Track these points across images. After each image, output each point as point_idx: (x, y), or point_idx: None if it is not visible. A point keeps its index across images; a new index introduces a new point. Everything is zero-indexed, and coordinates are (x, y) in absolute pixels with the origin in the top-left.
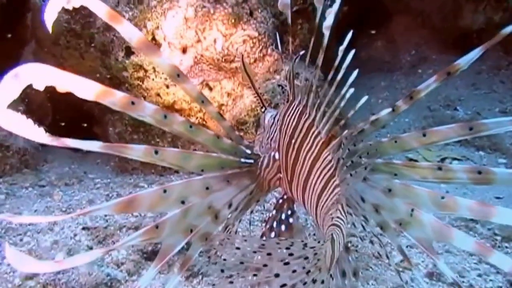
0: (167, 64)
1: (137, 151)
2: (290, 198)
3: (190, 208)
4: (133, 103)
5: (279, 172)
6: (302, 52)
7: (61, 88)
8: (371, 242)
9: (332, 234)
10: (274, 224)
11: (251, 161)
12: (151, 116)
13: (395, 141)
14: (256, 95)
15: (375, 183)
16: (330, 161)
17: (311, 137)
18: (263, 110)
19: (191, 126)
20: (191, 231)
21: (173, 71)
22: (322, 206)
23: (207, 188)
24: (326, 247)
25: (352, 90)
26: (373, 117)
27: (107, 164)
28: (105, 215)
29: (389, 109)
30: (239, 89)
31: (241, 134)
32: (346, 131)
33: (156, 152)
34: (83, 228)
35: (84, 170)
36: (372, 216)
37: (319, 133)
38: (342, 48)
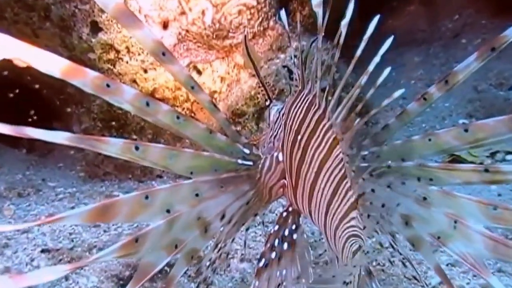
0: (150, 39)
1: (113, 146)
2: (296, 211)
3: (177, 218)
4: (108, 85)
5: (283, 177)
6: (321, 33)
7: (22, 59)
8: (403, 263)
9: (351, 242)
10: (276, 242)
11: (250, 163)
12: (130, 103)
13: (429, 139)
14: (261, 84)
15: (405, 190)
16: (342, 159)
17: (320, 131)
18: (268, 103)
19: (178, 117)
20: (176, 246)
21: (158, 48)
22: (333, 215)
23: (197, 195)
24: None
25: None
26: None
27: (71, 168)
28: (70, 234)
29: (419, 98)
30: (235, 72)
31: (238, 128)
32: (358, 120)
33: (137, 148)
34: (43, 251)
35: (42, 177)
36: (401, 230)
37: (331, 126)
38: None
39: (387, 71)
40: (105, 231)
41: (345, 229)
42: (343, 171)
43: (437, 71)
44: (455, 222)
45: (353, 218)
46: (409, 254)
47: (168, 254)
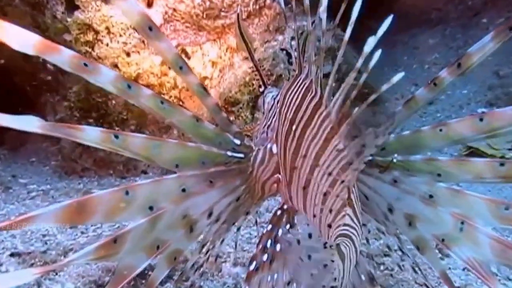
0: (136, 12)
1: (90, 134)
2: (291, 209)
3: (160, 217)
4: (86, 64)
5: (277, 171)
6: (323, 13)
7: None
8: (413, 268)
9: (338, 245)
10: (268, 244)
11: (241, 155)
12: (110, 85)
13: (440, 130)
14: (255, 69)
15: (411, 187)
16: (341, 151)
17: (317, 120)
18: (262, 89)
19: (162, 102)
20: (158, 247)
21: (144, 22)
22: (328, 212)
23: (183, 191)
24: (336, 261)
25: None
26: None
27: (46, 163)
28: (43, 236)
29: (428, 84)
30: (228, 56)
31: (232, 118)
32: (357, 109)
33: (117, 137)
34: (12, 255)
35: (12, 173)
36: (405, 231)
37: (328, 114)
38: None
39: (377, 54)
40: (82, 232)
41: (336, 227)
42: (341, 164)
43: (454, 54)
44: (462, 223)
45: (344, 216)
46: (419, 256)
47: (148, 256)
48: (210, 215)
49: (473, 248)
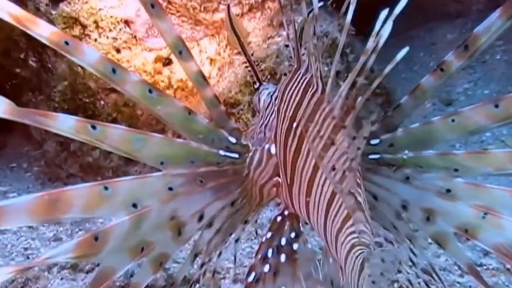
0: None
1: (64, 123)
2: (294, 215)
3: (145, 216)
4: (67, 43)
5: (276, 173)
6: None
7: None
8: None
9: (358, 256)
10: (269, 254)
11: (235, 155)
12: (93, 67)
13: (452, 120)
14: (248, 63)
15: (426, 184)
16: (347, 149)
17: (319, 117)
18: (257, 86)
19: (151, 91)
20: (142, 249)
21: None
22: (334, 217)
23: (170, 189)
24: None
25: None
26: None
27: (27, 169)
28: (25, 249)
29: (435, 70)
30: (227, 53)
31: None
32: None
33: (94, 127)
34: None
35: None
36: (422, 227)
37: (331, 110)
38: None
39: (404, 50)
40: (58, 230)
41: (348, 235)
42: (347, 164)
43: None
44: (485, 213)
45: (357, 222)
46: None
47: (131, 258)
48: (200, 218)
49: (499, 233)
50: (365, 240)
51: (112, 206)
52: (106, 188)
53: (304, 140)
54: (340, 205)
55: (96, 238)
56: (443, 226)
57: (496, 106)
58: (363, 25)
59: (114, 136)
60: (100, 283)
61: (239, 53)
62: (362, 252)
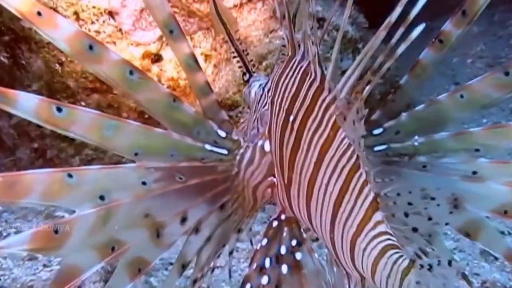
0: None
1: (25, 104)
2: (292, 219)
3: (114, 210)
4: (39, 13)
5: (271, 173)
6: None
7: None
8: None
9: (395, 257)
10: (267, 263)
11: (223, 151)
12: (67, 42)
13: (461, 96)
14: (236, 53)
15: (447, 170)
16: (351, 144)
17: (319, 109)
18: (247, 77)
19: (131, 72)
20: (113, 249)
21: None
22: (346, 220)
23: (143, 184)
24: None
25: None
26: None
27: None
28: None
29: (433, 42)
30: (224, 48)
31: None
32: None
33: (60, 110)
34: None
35: None
36: (449, 219)
37: (333, 101)
38: None
39: (421, 27)
40: (45, 265)
41: (371, 239)
42: (353, 159)
43: (503, 45)
44: None
45: (379, 223)
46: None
47: (100, 258)
48: (183, 220)
49: None
50: (396, 243)
51: (76, 196)
52: (70, 175)
53: (303, 135)
54: (353, 206)
55: (56, 231)
56: (475, 212)
57: (507, 73)
58: (376, 18)
59: (83, 121)
60: (64, 283)
61: (226, 41)
62: (401, 256)
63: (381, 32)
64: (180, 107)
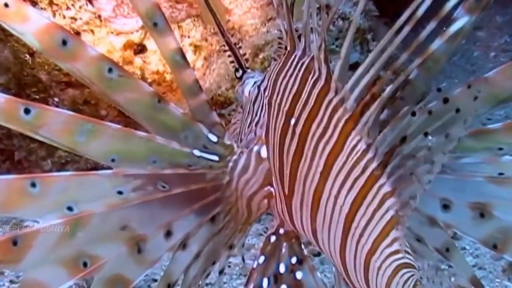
0: None
1: None
2: (292, 233)
3: (83, 221)
4: (6, 5)
5: (268, 182)
6: None
7: None
8: None
9: (408, 281)
10: (265, 284)
11: (214, 157)
12: (36, 37)
13: (478, 90)
14: (227, 46)
15: (469, 172)
16: (366, 151)
17: (325, 112)
18: (239, 74)
19: (111, 70)
20: (86, 264)
21: None
22: (360, 237)
23: (119, 193)
24: None
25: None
26: None
27: None
28: None
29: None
30: (216, 39)
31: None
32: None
33: (28, 111)
34: None
35: None
36: (472, 229)
37: (341, 102)
38: None
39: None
40: (12, 281)
41: (387, 257)
42: (370, 169)
43: None
44: None
45: (397, 239)
46: None
47: (70, 274)
48: (168, 234)
49: None
50: (410, 262)
51: (39, 207)
52: (33, 184)
53: (307, 140)
54: (369, 221)
55: (14, 242)
56: (505, 219)
57: None
58: (388, 5)
59: (53, 124)
60: None
61: (215, 33)
62: (413, 275)
63: (403, 24)
64: (165, 108)
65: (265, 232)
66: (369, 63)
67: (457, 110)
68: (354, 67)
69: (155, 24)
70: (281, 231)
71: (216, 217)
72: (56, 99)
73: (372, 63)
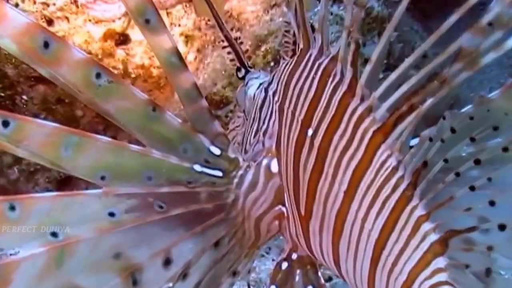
0: None
1: None
2: (306, 258)
3: (70, 249)
4: None
5: (279, 201)
6: None
7: None
8: None
9: None
10: None
11: (217, 172)
12: (15, 40)
13: None
14: (226, 42)
15: (508, 186)
16: (396, 168)
17: (348, 122)
18: (241, 74)
19: (99, 75)
20: None
21: None
22: (393, 266)
23: (111, 215)
24: None
25: None
26: None
27: None
28: None
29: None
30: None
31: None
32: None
33: (6, 124)
34: None
35: None
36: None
37: (368, 110)
38: None
39: None
40: None
41: None
42: (402, 187)
43: None
44: None
45: (440, 270)
46: None
47: None
48: (167, 262)
49: None
50: None
51: (20, 234)
52: (12, 207)
53: (328, 154)
54: (403, 248)
55: None
56: None
57: None
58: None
59: (35, 137)
60: None
61: (212, 26)
62: None
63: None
64: (161, 117)
65: (267, 253)
66: (405, 68)
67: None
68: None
69: (147, 21)
70: (294, 256)
71: (220, 241)
72: (24, 97)
73: (408, 69)
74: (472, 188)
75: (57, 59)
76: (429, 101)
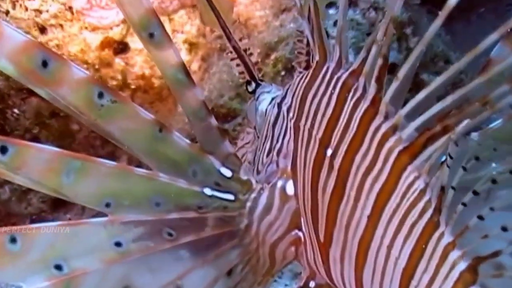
0: None
1: None
2: (325, 286)
3: (77, 282)
4: None
5: (295, 225)
6: None
7: None
8: None
9: None
10: None
11: (229, 196)
12: (12, 60)
13: None
14: (235, 53)
15: None
16: (423, 191)
17: (372, 139)
18: (252, 88)
19: (101, 95)
20: None
21: None
22: None
23: (117, 245)
24: None
25: None
26: None
27: None
28: None
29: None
30: (216, 34)
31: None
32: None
33: (4, 150)
34: None
35: None
36: None
37: (393, 129)
38: None
39: None
40: None
41: None
42: (428, 212)
43: None
44: None
45: None
46: None
47: None
48: None
49: None
50: None
51: (22, 268)
52: (13, 240)
53: (349, 176)
54: (433, 278)
55: None
56: None
57: None
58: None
59: (35, 163)
60: None
61: (219, 36)
62: None
63: None
64: (168, 138)
65: (280, 278)
66: (435, 88)
67: None
68: (392, 70)
69: (150, 35)
70: (312, 284)
71: (233, 269)
72: (16, 110)
73: (439, 88)
74: (491, 209)
75: (56, 79)
76: (466, 123)
